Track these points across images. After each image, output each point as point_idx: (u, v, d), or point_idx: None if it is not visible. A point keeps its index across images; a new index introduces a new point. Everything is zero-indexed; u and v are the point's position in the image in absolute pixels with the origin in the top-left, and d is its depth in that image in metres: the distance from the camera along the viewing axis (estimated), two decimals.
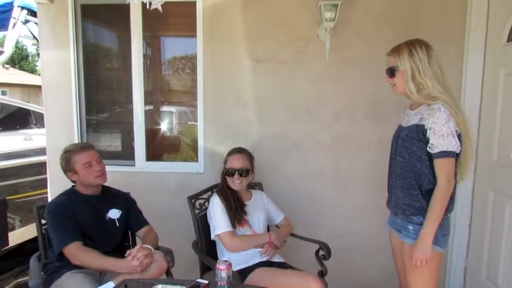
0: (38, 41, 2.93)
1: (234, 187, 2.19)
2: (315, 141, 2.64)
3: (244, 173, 2.19)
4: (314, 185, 2.68)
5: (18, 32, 3.57)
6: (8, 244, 2.87)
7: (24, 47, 24.26)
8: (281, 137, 2.66)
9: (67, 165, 1.99)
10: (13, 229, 3.42)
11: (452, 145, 1.54)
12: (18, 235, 3.46)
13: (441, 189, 1.56)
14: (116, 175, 2.38)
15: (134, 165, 2.80)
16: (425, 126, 1.57)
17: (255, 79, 2.63)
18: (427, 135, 1.57)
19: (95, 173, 1.99)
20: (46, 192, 3.06)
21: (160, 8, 1.75)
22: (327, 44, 2.47)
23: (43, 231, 2.01)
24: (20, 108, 4.35)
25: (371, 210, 2.58)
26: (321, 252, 2.18)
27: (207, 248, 2.24)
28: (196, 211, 2.29)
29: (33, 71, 22.97)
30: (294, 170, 2.68)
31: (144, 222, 2.18)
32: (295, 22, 2.56)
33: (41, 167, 3.43)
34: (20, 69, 20.98)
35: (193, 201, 2.29)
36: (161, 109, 2.97)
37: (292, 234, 2.35)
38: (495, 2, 2.32)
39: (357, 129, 2.60)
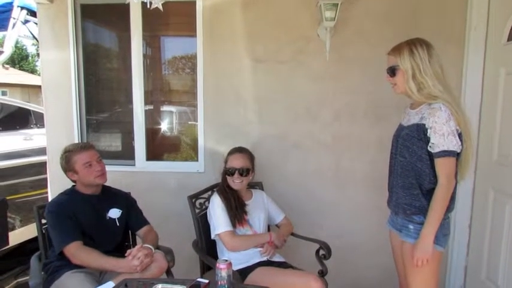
0: (37, 41, 2.93)
1: (235, 186, 2.19)
2: (315, 141, 2.64)
3: (244, 172, 2.18)
4: (314, 184, 2.68)
5: (18, 32, 3.57)
6: (8, 244, 2.86)
7: (24, 47, 24.26)
8: (281, 136, 2.66)
9: (67, 165, 1.99)
10: (13, 229, 3.42)
11: (453, 144, 1.54)
12: (19, 235, 3.46)
13: (442, 188, 1.56)
14: (116, 175, 2.37)
15: (134, 164, 2.80)
16: (426, 126, 1.57)
17: (255, 79, 2.63)
18: (428, 134, 1.57)
19: (95, 173, 1.99)
20: (46, 192, 3.06)
21: (161, 7, 1.76)
22: (327, 43, 2.47)
23: (43, 231, 2.01)
24: (20, 108, 4.35)
25: (371, 210, 2.58)
26: (321, 252, 2.18)
27: (207, 248, 2.24)
28: (197, 210, 2.29)
29: (33, 71, 22.94)
30: (294, 170, 2.67)
31: (144, 222, 2.18)
32: (295, 22, 2.55)
33: (41, 167, 3.43)
34: (20, 69, 20.96)
35: (193, 200, 2.29)
36: (161, 109, 2.97)
37: (292, 234, 2.35)
38: (495, 1, 2.32)
39: (357, 128, 2.60)
